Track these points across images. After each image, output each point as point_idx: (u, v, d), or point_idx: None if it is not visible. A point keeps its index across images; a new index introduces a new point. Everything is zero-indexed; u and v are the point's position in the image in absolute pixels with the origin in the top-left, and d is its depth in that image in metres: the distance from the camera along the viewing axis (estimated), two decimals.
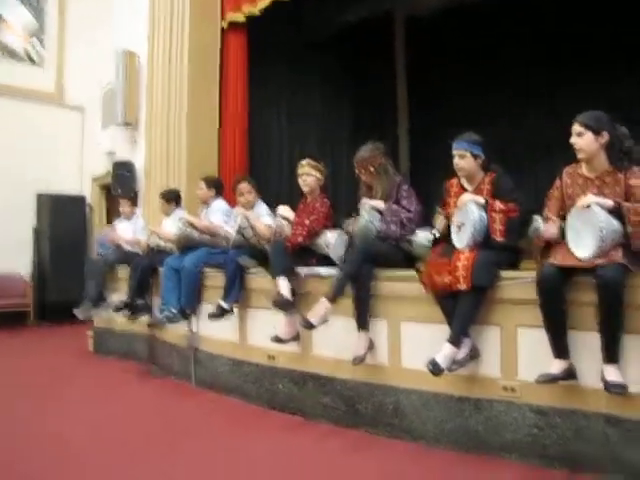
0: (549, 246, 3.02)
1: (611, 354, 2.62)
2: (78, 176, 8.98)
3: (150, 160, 6.64)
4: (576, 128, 2.92)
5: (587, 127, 2.88)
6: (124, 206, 6.29)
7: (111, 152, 7.97)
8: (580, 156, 2.95)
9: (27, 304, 8.05)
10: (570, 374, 2.79)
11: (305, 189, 4.29)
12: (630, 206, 2.71)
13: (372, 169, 3.83)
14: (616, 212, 2.72)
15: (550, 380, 2.75)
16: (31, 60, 8.80)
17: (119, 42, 7.50)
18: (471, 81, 8.42)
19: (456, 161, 3.36)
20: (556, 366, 2.77)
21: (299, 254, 4.01)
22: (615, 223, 2.69)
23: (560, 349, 2.79)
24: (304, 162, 4.31)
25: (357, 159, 3.90)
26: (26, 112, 8.54)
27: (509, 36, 7.83)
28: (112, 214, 8.31)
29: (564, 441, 2.84)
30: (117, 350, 6.06)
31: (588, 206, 2.74)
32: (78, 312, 5.76)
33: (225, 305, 4.30)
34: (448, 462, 3.07)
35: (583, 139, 2.90)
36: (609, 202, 2.75)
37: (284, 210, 4.31)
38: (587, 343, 2.77)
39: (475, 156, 3.32)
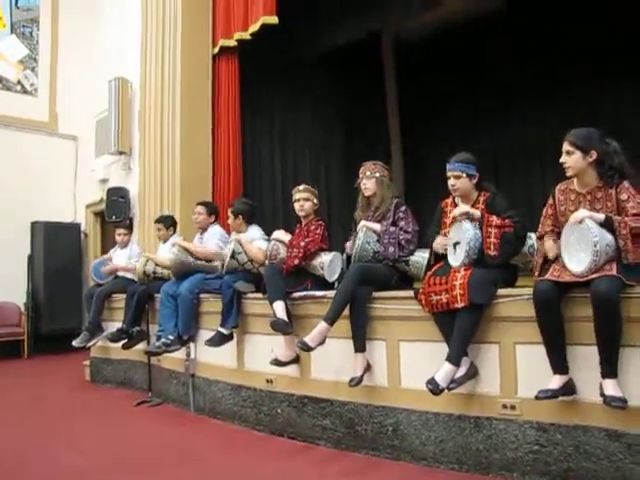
0: (548, 262, 3.04)
1: (610, 368, 2.62)
2: (72, 204, 8.97)
3: (144, 186, 6.66)
4: (565, 146, 2.95)
5: (575, 146, 2.91)
6: (120, 234, 6.28)
7: (104, 179, 8.00)
8: (569, 174, 2.99)
9: (21, 333, 7.97)
10: (570, 389, 2.79)
11: (301, 213, 4.32)
12: (621, 220, 2.74)
13: (378, 174, 3.86)
14: (608, 226, 2.74)
15: (550, 396, 2.74)
16: (24, 90, 8.85)
17: (112, 70, 7.57)
18: (460, 98, 8.55)
19: (451, 182, 3.39)
20: (555, 382, 2.77)
21: (295, 276, 4.02)
22: (608, 237, 2.71)
23: (559, 364, 2.79)
24: (301, 188, 4.34)
25: (366, 163, 3.95)
26: (20, 141, 8.55)
27: (497, 54, 7.96)
28: (106, 241, 8.31)
29: (566, 457, 2.83)
30: (114, 379, 6.01)
31: (581, 221, 2.76)
32: (76, 343, 5.73)
33: (224, 331, 4.30)
34: None
35: (572, 158, 2.93)
36: (600, 216, 2.77)
37: (279, 234, 4.32)
38: (586, 358, 2.77)
39: (470, 176, 3.36)
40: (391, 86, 9.46)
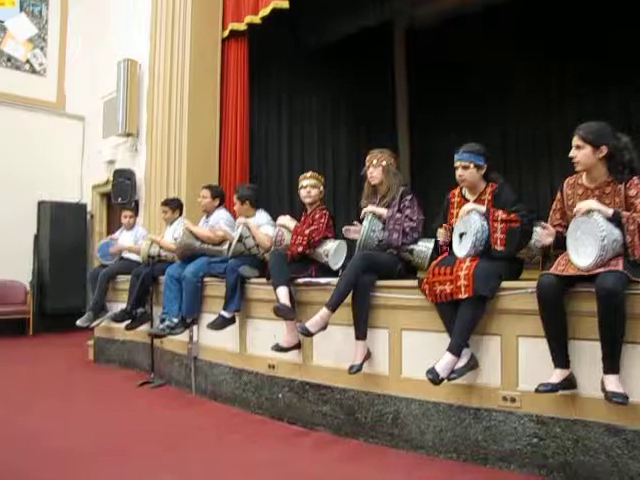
0: (552, 256, 3.03)
1: (612, 364, 2.61)
2: (79, 184, 9.00)
3: (150, 168, 6.67)
4: (575, 141, 2.92)
5: (586, 141, 2.88)
6: (126, 217, 6.29)
7: (111, 161, 8.01)
8: (578, 168, 2.96)
9: (27, 311, 8.04)
10: (570, 384, 2.79)
11: (307, 200, 4.31)
12: (629, 215, 2.72)
13: (384, 163, 3.85)
14: (616, 221, 2.72)
15: (550, 390, 2.74)
16: (33, 69, 8.83)
17: (120, 51, 7.55)
18: (471, 88, 8.49)
19: (459, 172, 3.37)
20: (556, 376, 2.77)
21: (299, 263, 4.03)
22: (616, 232, 2.69)
23: (560, 359, 2.79)
24: (308, 174, 4.34)
25: (373, 151, 3.93)
26: (27, 121, 8.56)
27: (508, 45, 7.89)
28: (112, 222, 8.34)
29: (564, 451, 2.84)
30: (117, 359, 6.05)
31: (589, 212, 2.74)
32: (80, 322, 5.78)
33: (227, 315, 4.31)
34: (447, 472, 3.07)
35: (581, 152, 2.90)
36: (609, 210, 2.75)
37: (285, 219, 4.32)
38: (588, 353, 2.77)
39: (478, 167, 3.34)
40: (401, 74, 9.42)
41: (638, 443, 2.63)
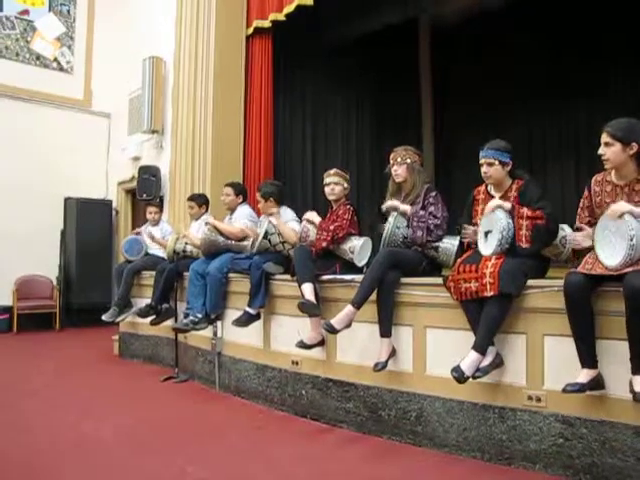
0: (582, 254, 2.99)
1: None
2: (104, 181, 9.12)
3: (175, 165, 6.73)
4: (604, 138, 2.85)
5: (615, 138, 2.81)
6: (151, 212, 6.35)
7: (137, 157, 8.10)
8: (607, 166, 2.91)
9: (53, 306, 8.17)
10: (598, 384, 2.76)
11: (331, 197, 4.32)
12: None
13: (409, 160, 3.84)
14: None
15: (578, 390, 2.71)
16: (60, 67, 8.96)
17: (146, 48, 7.63)
18: (497, 85, 8.42)
19: (484, 169, 3.34)
20: (584, 375, 2.73)
21: (324, 259, 4.03)
22: None
23: (588, 358, 2.75)
24: (332, 172, 4.34)
25: (398, 148, 3.92)
26: (55, 118, 8.70)
27: (535, 40, 7.81)
28: (137, 218, 8.43)
29: (590, 452, 2.81)
30: (142, 354, 6.12)
31: (621, 216, 2.68)
32: (105, 317, 5.86)
33: (252, 311, 4.33)
34: (471, 471, 3.05)
35: (611, 150, 2.84)
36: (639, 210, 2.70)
37: (311, 215, 4.32)
38: (616, 353, 2.73)
39: (503, 164, 3.31)
40: (425, 72, 9.36)
41: None
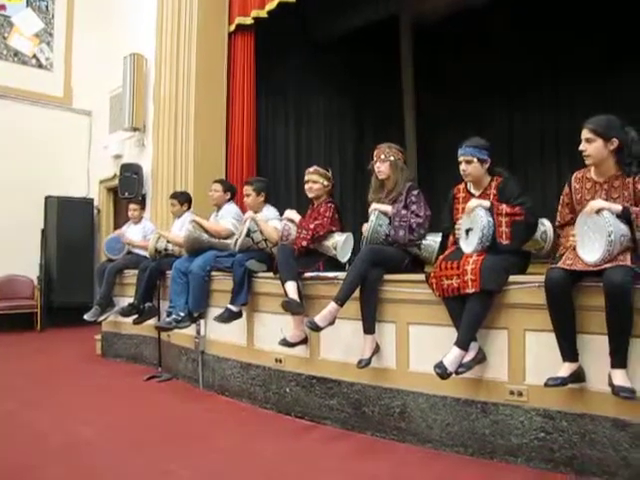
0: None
1: (619, 358, 2.62)
2: (85, 179, 9.03)
3: (157, 163, 6.69)
4: (585, 134, 2.89)
5: (596, 134, 2.86)
6: (134, 210, 6.31)
7: (118, 155, 8.03)
8: (588, 162, 2.94)
9: (34, 306, 8.08)
10: (579, 377, 2.80)
11: (310, 195, 4.34)
12: (638, 211, 2.71)
13: (392, 158, 3.85)
14: (624, 216, 2.72)
15: (559, 383, 2.75)
16: (39, 64, 8.85)
17: (127, 45, 7.57)
18: (478, 82, 8.48)
19: (463, 167, 3.37)
20: (565, 369, 2.77)
21: (307, 257, 4.03)
22: (623, 227, 2.69)
23: (569, 352, 2.79)
24: (311, 169, 4.35)
25: (381, 145, 3.93)
26: (34, 115, 8.60)
27: (516, 37, 7.87)
28: (119, 217, 8.37)
29: (571, 445, 2.85)
30: (125, 353, 6.08)
31: (598, 212, 2.73)
32: (87, 317, 5.81)
33: (234, 308, 4.32)
34: (454, 466, 3.08)
35: (592, 146, 2.88)
36: (618, 207, 2.74)
37: (291, 213, 4.32)
38: (595, 347, 2.77)
39: (482, 161, 3.33)
40: (407, 68, 9.38)
41: None
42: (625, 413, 2.69)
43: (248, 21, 6.30)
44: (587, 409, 2.82)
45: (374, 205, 3.85)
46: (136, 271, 5.52)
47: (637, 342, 2.66)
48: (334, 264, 4.05)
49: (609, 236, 2.63)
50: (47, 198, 8.49)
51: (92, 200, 8.84)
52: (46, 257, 8.39)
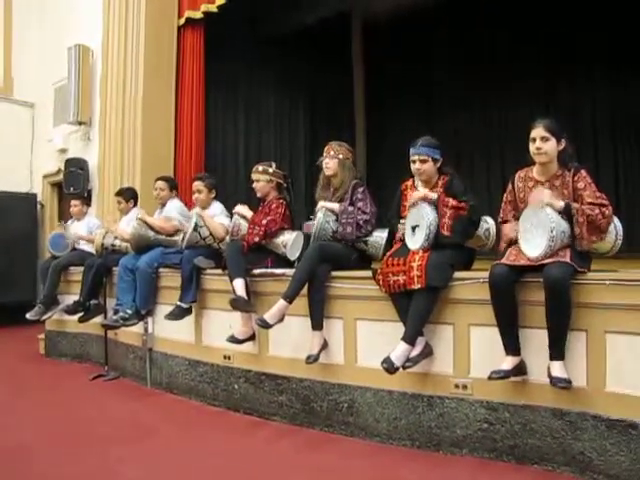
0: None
1: (557, 351, 2.72)
2: (28, 173, 8.74)
3: (104, 158, 6.55)
4: (541, 132, 2.96)
5: (551, 133, 2.95)
6: (75, 206, 6.14)
7: (63, 149, 7.80)
8: (542, 160, 3.01)
9: None
10: (521, 370, 2.89)
11: (258, 194, 4.32)
12: (578, 207, 2.82)
13: (341, 156, 3.88)
14: (566, 213, 2.82)
15: (502, 376, 2.83)
16: None
17: (72, 36, 7.34)
18: (425, 81, 8.63)
19: (417, 166, 3.39)
20: (508, 362, 2.85)
21: (255, 253, 4.01)
22: (564, 224, 2.80)
23: (511, 346, 2.87)
24: (260, 169, 4.32)
25: (332, 143, 3.97)
26: None
27: (464, 37, 8.04)
28: (64, 212, 8.12)
29: (512, 435, 2.94)
30: (70, 352, 5.92)
31: (541, 207, 2.82)
32: (30, 315, 5.62)
33: (183, 305, 4.28)
34: (401, 457, 3.14)
35: (548, 144, 2.96)
36: (560, 203, 2.85)
37: (242, 209, 4.29)
38: (536, 340, 2.86)
39: (435, 160, 3.39)
40: (358, 67, 9.46)
41: (580, 424, 2.75)
42: (562, 403, 2.79)
43: (198, 15, 6.22)
44: (528, 400, 2.91)
45: (321, 203, 3.88)
46: (81, 268, 5.39)
47: (574, 335, 2.77)
48: (282, 261, 4.05)
49: (551, 232, 2.72)
50: None
51: (35, 195, 8.56)
52: None
